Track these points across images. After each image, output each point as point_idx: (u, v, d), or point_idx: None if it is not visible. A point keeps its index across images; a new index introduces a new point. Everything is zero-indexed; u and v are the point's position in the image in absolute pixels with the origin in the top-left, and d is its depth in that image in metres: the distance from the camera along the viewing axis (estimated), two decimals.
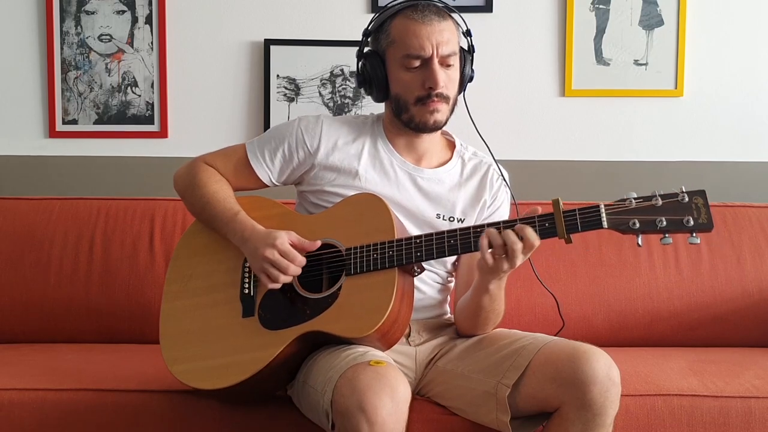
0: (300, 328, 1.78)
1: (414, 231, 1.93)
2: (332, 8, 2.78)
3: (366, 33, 1.96)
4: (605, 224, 1.65)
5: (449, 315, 2.06)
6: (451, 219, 1.97)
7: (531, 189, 2.60)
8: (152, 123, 2.80)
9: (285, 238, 1.80)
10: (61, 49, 2.78)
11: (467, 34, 1.95)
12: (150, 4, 2.76)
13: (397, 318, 1.77)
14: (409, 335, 1.93)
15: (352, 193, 1.92)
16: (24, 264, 2.48)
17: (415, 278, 1.85)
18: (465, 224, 1.97)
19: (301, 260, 1.81)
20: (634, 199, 1.65)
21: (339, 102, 2.79)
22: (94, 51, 2.79)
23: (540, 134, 2.80)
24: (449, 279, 2.04)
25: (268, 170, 1.99)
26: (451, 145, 2.06)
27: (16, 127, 2.80)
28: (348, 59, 2.76)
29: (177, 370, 1.85)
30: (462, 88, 1.95)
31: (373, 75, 1.93)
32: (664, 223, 1.62)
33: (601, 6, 2.76)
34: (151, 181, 2.76)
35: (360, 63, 1.96)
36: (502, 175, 2.02)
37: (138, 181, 2.77)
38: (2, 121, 2.81)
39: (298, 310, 1.80)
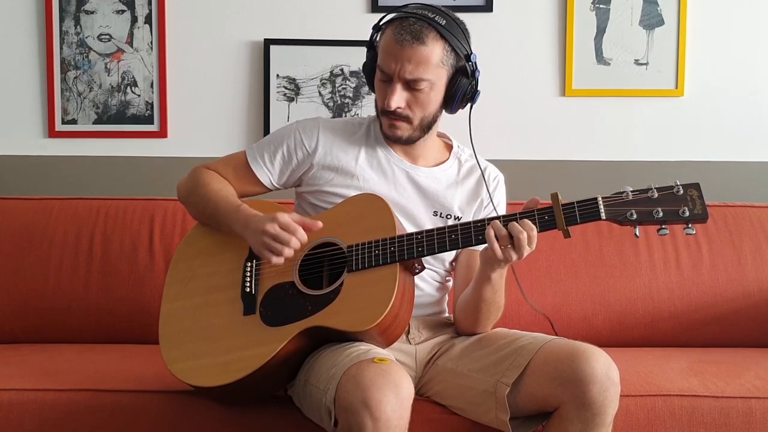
0: (302, 324, 1.78)
1: (412, 229, 1.94)
2: (332, 8, 2.78)
3: (376, 27, 1.96)
4: (603, 215, 1.69)
5: (448, 314, 2.07)
6: (448, 216, 1.98)
7: (531, 189, 2.59)
8: (152, 123, 2.80)
9: (285, 214, 1.82)
10: (61, 48, 2.78)
11: (467, 59, 1.90)
12: (149, 3, 2.76)
13: (399, 313, 1.77)
14: (408, 333, 1.94)
15: (350, 192, 1.93)
16: (23, 264, 2.47)
17: (414, 276, 1.86)
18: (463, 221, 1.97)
19: (302, 234, 1.81)
20: (631, 191, 1.69)
21: (339, 102, 2.79)
22: (94, 51, 2.79)
23: (540, 134, 2.80)
24: (447, 278, 2.05)
25: (268, 173, 2.00)
26: (449, 147, 2.08)
27: (16, 126, 2.80)
28: (348, 59, 2.76)
29: (177, 368, 1.85)
30: (449, 108, 1.93)
31: (367, 69, 1.97)
32: (661, 213, 1.66)
33: (601, 5, 2.76)
34: (150, 181, 2.76)
35: (367, 53, 1.98)
36: (483, 177, 2.02)
37: (137, 181, 2.77)
38: (1, 121, 2.80)
39: (300, 307, 1.81)
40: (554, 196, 1.72)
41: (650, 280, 2.45)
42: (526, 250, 1.71)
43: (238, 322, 1.85)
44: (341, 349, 1.75)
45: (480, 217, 2.01)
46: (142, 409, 1.92)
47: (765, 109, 2.81)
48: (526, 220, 1.71)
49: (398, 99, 1.88)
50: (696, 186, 1.67)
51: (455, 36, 1.88)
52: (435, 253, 1.81)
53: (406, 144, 1.97)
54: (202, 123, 2.80)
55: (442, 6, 1.91)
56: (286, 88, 2.78)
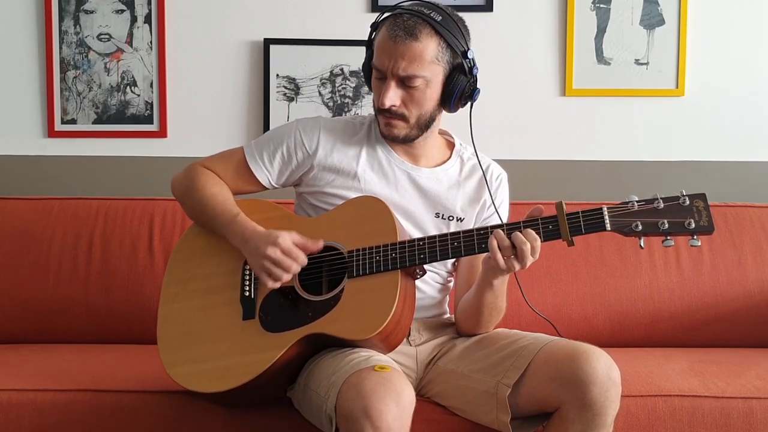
0: (302, 331, 1.77)
1: (413, 231, 1.93)
2: (332, 8, 2.78)
3: (373, 26, 1.94)
4: (608, 227, 1.68)
5: (449, 315, 2.06)
6: (450, 218, 1.96)
7: (531, 189, 2.61)
8: (151, 122, 2.79)
9: (287, 237, 1.80)
10: (60, 48, 2.77)
11: (465, 55, 1.87)
12: (149, 3, 2.76)
13: (400, 320, 1.76)
14: (409, 335, 1.93)
15: (351, 194, 1.92)
16: (22, 264, 2.47)
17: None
18: (464, 223, 1.97)
19: (303, 259, 1.80)
20: (637, 201, 1.68)
21: (339, 102, 2.78)
22: (93, 50, 2.78)
23: (540, 134, 2.80)
24: (449, 279, 2.04)
25: (267, 172, 1.98)
26: (451, 145, 2.06)
27: (15, 126, 2.79)
28: (348, 59, 2.76)
29: (176, 373, 1.84)
30: (447, 105, 1.90)
31: (366, 69, 1.95)
32: (666, 225, 1.65)
33: (601, 5, 2.76)
34: (150, 180, 2.75)
35: (366, 53, 1.96)
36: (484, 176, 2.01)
37: (137, 181, 2.77)
38: (1, 121, 2.80)
39: (300, 313, 1.80)
40: (559, 206, 1.71)
41: (651, 280, 2.45)
42: (530, 260, 1.70)
43: (237, 326, 1.84)
44: (342, 355, 1.74)
45: (483, 217, 2.00)
46: (141, 409, 1.91)
47: (765, 108, 2.80)
48: (530, 231, 1.70)
49: (392, 96, 1.86)
50: (702, 196, 1.66)
51: (451, 32, 1.84)
52: (437, 261, 1.80)
53: (404, 143, 1.95)
54: (202, 123, 2.79)
55: (441, 3, 1.89)
56: (285, 87, 2.77)
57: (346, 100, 2.78)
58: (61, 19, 2.77)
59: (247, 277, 1.87)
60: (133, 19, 2.77)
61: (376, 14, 1.93)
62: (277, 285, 1.80)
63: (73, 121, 2.79)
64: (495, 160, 2.08)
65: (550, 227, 1.70)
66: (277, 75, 2.77)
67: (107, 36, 2.78)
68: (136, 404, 1.92)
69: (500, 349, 1.81)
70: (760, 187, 2.76)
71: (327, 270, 1.86)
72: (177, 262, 1.98)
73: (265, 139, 2.00)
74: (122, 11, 2.77)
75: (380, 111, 1.90)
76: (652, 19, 2.76)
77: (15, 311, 2.45)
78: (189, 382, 1.82)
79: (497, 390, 1.74)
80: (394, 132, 1.91)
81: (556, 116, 2.79)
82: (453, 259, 1.99)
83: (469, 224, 1.98)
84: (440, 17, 1.84)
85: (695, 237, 1.65)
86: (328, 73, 2.78)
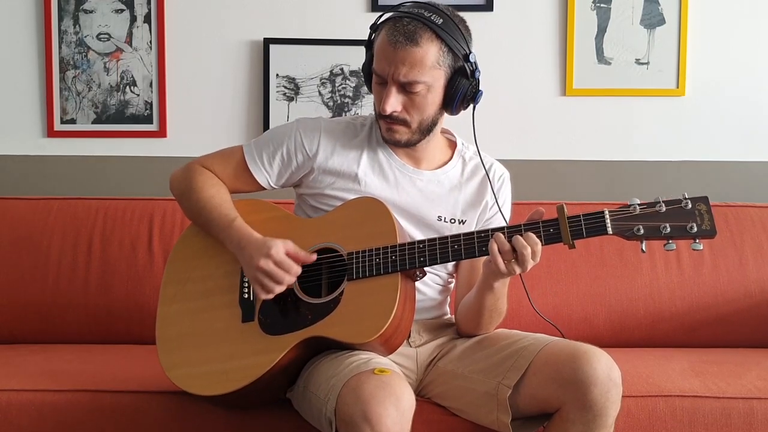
0: (301, 334, 1.77)
1: (415, 233, 1.92)
2: (332, 7, 2.77)
3: (372, 27, 1.91)
4: (610, 230, 1.67)
5: (449, 315, 2.06)
6: (452, 221, 1.95)
7: (532, 189, 2.60)
8: (151, 122, 2.79)
9: (280, 248, 1.78)
10: (60, 48, 2.77)
11: (466, 59, 1.84)
12: (149, 3, 2.75)
13: (400, 323, 1.76)
14: (409, 336, 1.92)
15: (352, 196, 1.91)
16: (22, 264, 2.47)
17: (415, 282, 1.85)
18: (466, 225, 1.96)
19: (297, 270, 1.79)
20: (638, 205, 1.68)
21: (339, 101, 2.78)
22: (93, 50, 2.78)
23: (541, 134, 2.79)
24: (449, 280, 2.03)
25: (266, 174, 1.97)
26: (453, 145, 2.04)
27: (14, 126, 2.79)
28: (348, 58, 2.75)
29: (175, 375, 1.84)
30: (450, 109, 1.89)
31: (366, 70, 1.93)
32: (668, 229, 1.65)
33: (602, 5, 2.75)
34: (149, 180, 2.75)
35: (366, 54, 1.94)
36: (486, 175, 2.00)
37: (137, 181, 2.76)
38: (0, 121, 2.79)
39: (299, 315, 1.79)
40: (560, 209, 1.70)
41: (651, 280, 2.45)
42: (531, 264, 1.70)
43: (236, 329, 1.83)
44: (341, 357, 1.73)
45: (485, 218, 1.99)
46: (141, 409, 1.91)
47: (766, 108, 2.80)
48: (530, 234, 1.69)
49: (393, 103, 1.83)
50: (704, 200, 1.65)
51: (452, 35, 1.81)
52: (437, 263, 1.79)
53: (406, 147, 1.94)
54: (202, 123, 2.79)
55: (442, 5, 1.86)
56: (285, 87, 2.77)
57: (346, 100, 2.78)
58: (60, 19, 2.76)
59: (246, 280, 1.86)
60: (133, 19, 2.77)
61: (376, 14, 1.91)
62: (271, 296, 1.79)
63: (73, 121, 2.79)
64: (496, 160, 2.07)
65: (551, 231, 1.70)
66: (277, 75, 2.77)
67: (107, 36, 2.77)
68: (135, 405, 1.91)
69: (500, 350, 1.81)
70: (761, 187, 2.75)
71: (326, 272, 1.85)
72: (176, 263, 1.98)
73: (265, 140, 1.98)
74: (122, 11, 2.77)
75: (381, 116, 1.88)
76: (652, 19, 2.75)
77: (14, 311, 2.45)
78: (188, 385, 1.82)
79: (498, 391, 1.74)
80: (395, 137, 1.90)
81: (557, 116, 2.79)
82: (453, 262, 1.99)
83: (471, 226, 1.97)
84: (441, 20, 1.81)
85: (697, 241, 1.64)
86: (328, 73, 2.77)
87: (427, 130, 1.90)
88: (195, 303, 1.90)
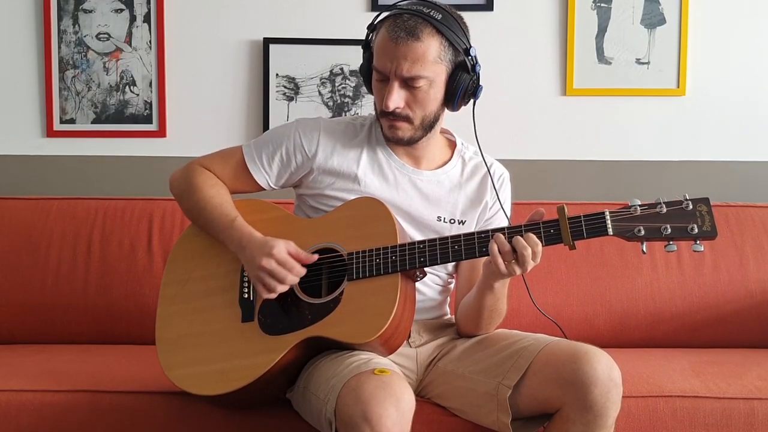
0: (301, 334, 1.76)
1: (415, 234, 1.92)
2: (332, 7, 2.77)
3: (370, 27, 1.92)
4: (610, 231, 1.67)
5: (449, 316, 2.05)
6: (452, 221, 1.95)
7: (532, 189, 2.60)
8: (150, 122, 2.78)
9: (282, 248, 1.78)
10: (59, 47, 2.77)
11: (467, 53, 1.85)
12: (148, 2, 2.75)
13: (400, 323, 1.75)
14: (409, 337, 1.92)
15: (352, 196, 1.90)
16: (21, 264, 2.47)
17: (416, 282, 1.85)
18: (466, 225, 1.96)
19: (299, 270, 1.79)
20: (639, 206, 1.67)
21: (339, 101, 2.78)
22: (92, 50, 2.77)
23: (541, 134, 2.79)
24: (449, 280, 2.03)
25: (265, 174, 1.97)
26: (452, 145, 2.04)
27: (14, 126, 2.79)
28: (347, 58, 2.75)
29: (175, 375, 1.83)
30: (451, 104, 1.89)
31: (364, 71, 1.93)
32: (669, 230, 1.65)
33: (602, 4, 2.75)
34: (149, 180, 2.75)
35: (363, 54, 1.94)
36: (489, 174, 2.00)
37: (136, 180, 2.76)
38: None
39: (299, 315, 1.79)
40: (561, 210, 1.69)
41: (652, 280, 2.45)
42: (531, 265, 1.69)
43: (236, 329, 1.83)
44: (341, 358, 1.73)
45: (485, 218, 1.99)
46: (140, 410, 1.91)
47: (767, 108, 2.79)
48: (531, 235, 1.69)
49: (396, 99, 1.83)
50: (705, 201, 1.65)
51: (452, 30, 1.82)
52: (437, 264, 1.79)
53: (408, 145, 1.93)
54: (201, 122, 2.78)
55: (440, 2, 1.87)
56: (285, 87, 2.77)
57: (346, 100, 2.78)
58: (59, 19, 2.76)
59: (246, 280, 1.86)
60: (132, 19, 2.76)
61: (376, 13, 1.91)
62: (273, 296, 1.79)
63: (72, 121, 2.79)
64: (496, 160, 2.06)
65: (552, 231, 1.69)
66: (277, 74, 2.77)
67: (106, 35, 2.77)
68: (135, 405, 1.91)
69: (501, 350, 1.80)
70: (762, 186, 2.75)
71: (326, 272, 1.85)
72: (175, 263, 1.97)
73: (264, 140, 1.98)
74: (121, 10, 2.76)
75: (383, 114, 1.88)
76: (653, 19, 2.75)
77: (13, 311, 2.45)
78: (188, 385, 1.81)
79: (498, 391, 1.74)
80: (398, 134, 1.89)
81: (557, 116, 2.79)
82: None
83: (471, 226, 1.97)
84: (440, 15, 1.82)
85: (698, 242, 1.64)
86: (328, 73, 2.77)
87: (429, 126, 1.90)
88: (195, 303, 1.90)
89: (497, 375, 1.75)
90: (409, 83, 1.83)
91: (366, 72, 1.92)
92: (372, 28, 1.90)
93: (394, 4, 1.88)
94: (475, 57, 1.86)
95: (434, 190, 1.96)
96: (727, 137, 2.78)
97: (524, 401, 1.73)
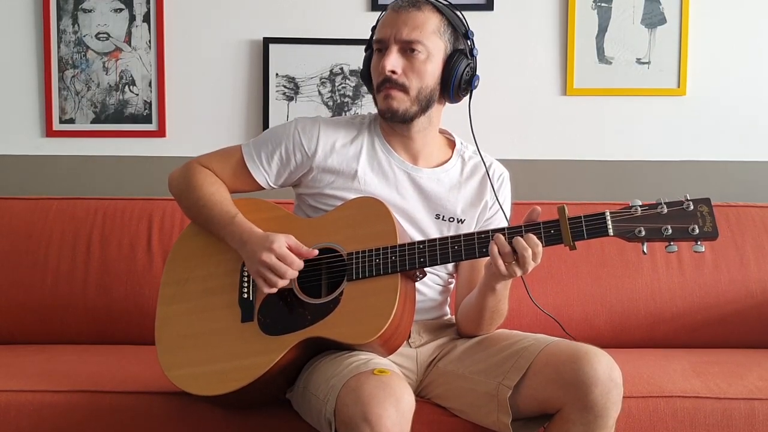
0: (301, 334, 1.76)
1: (414, 232, 1.92)
2: (332, 6, 2.77)
3: (374, 28, 1.95)
4: (611, 232, 1.67)
5: (449, 316, 2.05)
6: (451, 219, 1.95)
7: (532, 189, 2.60)
8: (150, 122, 2.78)
9: (282, 242, 1.78)
10: (58, 47, 2.76)
11: (466, 36, 1.90)
12: (148, 2, 2.75)
13: (400, 323, 1.75)
14: (409, 337, 1.91)
15: (351, 195, 1.90)
16: (20, 264, 2.47)
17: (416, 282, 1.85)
18: (465, 224, 1.96)
19: (299, 264, 1.79)
20: (640, 206, 1.67)
21: (338, 101, 2.77)
22: (92, 49, 2.77)
23: (541, 133, 2.79)
24: (449, 281, 2.03)
25: (265, 173, 1.97)
26: (452, 144, 2.04)
27: (13, 126, 2.79)
28: (348, 58, 2.75)
29: (174, 375, 1.83)
30: (448, 88, 1.89)
31: (365, 71, 1.95)
32: (670, 231, 1.64)
33: (603, 4, 2.75)
34: (149, 180, 2.74)
35: (365, 55, 1.97)
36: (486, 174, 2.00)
37: (136, 180, 2.76)
38: None
39: (299, 316, 1.79)
40: (561, 210, 1.69)
41: (652, 280, 2.44)
42: (531, 266, 1.69)
43: (235, 329, 1.83)
44: (341, 358, 1.73)
45: (484, 218, 1.99)
46: (140, 410, 1.91)
47: (767, 108, 2.79)
48: (531, 236, 1.68)
49: (394, 62, 1.85)
50: (706, 201, 1.65)
51: (453, 13, 1.89)
52: (437, 264, 1.78)
53: (402, 122, 1.91)
54: (201, 122, 2.78)
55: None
56: (285, 87, 2.76)
57: (346, 100, 2.77)
58: (59, 18, 2.76)
59: (246, 279, 1.86)
60: (132, 18, 2.76)
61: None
62: (274, 290, 1.79)
63: (72, 121, 2.79)
64: (495, 160, 2.06)
65: (552, 232, 1.69)
66: (277, 74, 2.76)
67: (106, 35, 2.77)
68: (134, 405, 1.91)
69: (501, 351, 1.80)
70: (763, 186, 2.75)
71: (326, 272, 1.85)
72: (175, 263, 1.97)
73: (264, 139, 1.98)
74: (121, 10, 2.76)
75: (380, 85, 1.89)
76: (653, 18, 2.75)
77: (13, 312, 2.45)
78: (187, 385, 1.81)
79: (498, 391, 1.73)
80: (393, 105, 1.88)
81: (557, 116, 2.78)
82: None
83: (470, 226, 1.97)
84: (442, 4, 1.89)
85: (699, 243, 1.64)
86: (328, 73, 2.77)
87: (425, 103, 1.89)
88: (194, 303, 1.90)
89: (497, 375, 1.75)
90: (407, 50, 1.85)
91: (365, 72, 1.94)
92: (375, 28, 1.92)
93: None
94: (473, 41, 1.91)
95: (434, 188, 1.95)
96: (728, 137, 2.78)
97: (524, 401, 1.73)
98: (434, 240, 1.78)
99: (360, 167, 1.93)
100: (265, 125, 2.75)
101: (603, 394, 1.64)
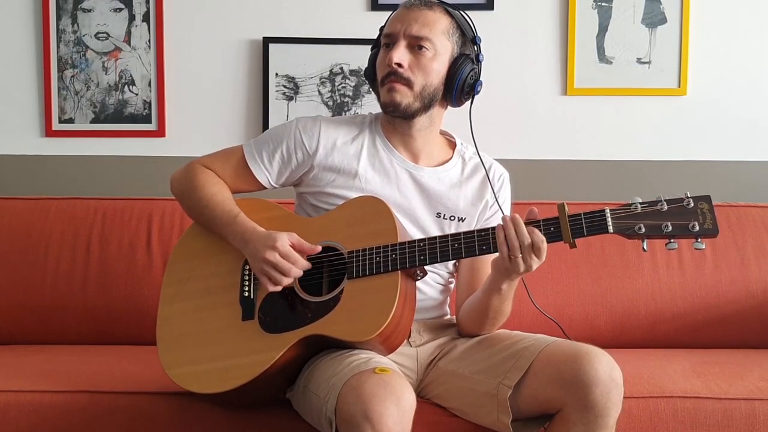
0: (301, 332, 1.76)
1: (414, 230, 1.92)
2: (331, 6, 2.77)
3: (382, 28, 1.96)
4: (611, 229, 1.67)
5: (450, 316, 2.05)
6: (452, 218, 1.95)
7: (533, 188, 2.60)
8: (150, 122, 2.78)
9: (285, 240, 1.79)
10: (58, 47, 2.76)
11: (473, 42, 1.92)
12: (147, 1, 2.75)
13: (400, 322, 1.75)
14: (409, 336, 1.91)
15: (352, 193, 1.91)
16: (20, 264, 2.47)
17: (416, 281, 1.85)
18: (466, 223, 1.96)
19: (303, 263, 1.79)
20: (640, 203, 1.67)
21: (338, 101, 2.77)
22: (91, 49, 2.77)
23: (542, 133, 2.79)
24: (450, 280, 2.03)
25: (266, 172, 1.97)
26: (452, 145, 2.05)
27: (12, 126, 2.79)
28: (347, 57, 2.75)
29: (175, 373, 1.83)
30: (451, 90, 1.90)
31: (369, 63, 1.96)
32: (670, 228, 1.64)
33: (603, 4, 2.75)
34: (148, 180, 2.74)
35: (371, 53, 1.99)
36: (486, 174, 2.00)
37: (135, 180, 2.76)
38: None
39: (299, 313, 1.79)
40: (561, 207, 1.69)
41: (652, 280, 2.44)
42: (536, 263, 1.69)
43: (236, 327, 1.83)
44: (341, 357, 1.73)
45: (485, 217, 1.99)
46: (139, 410, 1.90)
47: (767, 108, 2.79)
48: (533, 228, 1.68)
49: (401, 55, 1.87)
50: (707, 198, 1.65)
51: (464, 18, 1.92)
52: (437, 262, 1.79)
53: (404, 117, 1.92)
54: (201, 122, 2.78)
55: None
56: (285, 87, 2.76)
57: (346, 99, 2.77)
58: (58, 18, 2.75)
59: (247, 278, 1.86)
60: (131, 18, 2.76)
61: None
62: (278, 288, 1.79)
63: (71, 121, 2.78)
64: (496, 160, 2.06)
65: (552, 229, 1.69)
66: (277, 74, 2.76)
67: (105, 35, 2.77)
68: (134, 406, 1.91)
69: (501, 350, 1.80)
70: (763, 186, 2.75)
71: (327, 271, 1.85)
72: (177, 262, 1.97)
73: (265, 139, 1.99)
74: (120, 10, 2.76)
75: (384, 78, 1.90)
76: (654, 18, 2.75)
77: (12, 312, 2.44)
78: (188, 383, 1.81)
79: (498, 391, 1.73)
80: (396, 99, 1.89)
81: (558, 115, 2.78)
82: (454, 261, 1.98)
83: (471, 225, 1.97)
84: (452, 6, 1.92)
85: (699, 240, 1.64)
86: (328, 72, 2.77)
87: (427, 100, 1.90)
88: (195, 301, 1.90)
89: (498, 375, 1.75)
90: (415, 46, 1.87)
91: (370, 70, 1.96)
92: (382, 28, 1.95)
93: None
94: (480, 47, 1.93)
95: (435, 187, 1.96)
96: (728, 137, 2.78)
97: (525, 401, 1.73)
98: (434, 238, 1.78)
99: (361, 165, 1.94)
100: (265, 125, 2.75)
101: (603, 394, 1.63)
